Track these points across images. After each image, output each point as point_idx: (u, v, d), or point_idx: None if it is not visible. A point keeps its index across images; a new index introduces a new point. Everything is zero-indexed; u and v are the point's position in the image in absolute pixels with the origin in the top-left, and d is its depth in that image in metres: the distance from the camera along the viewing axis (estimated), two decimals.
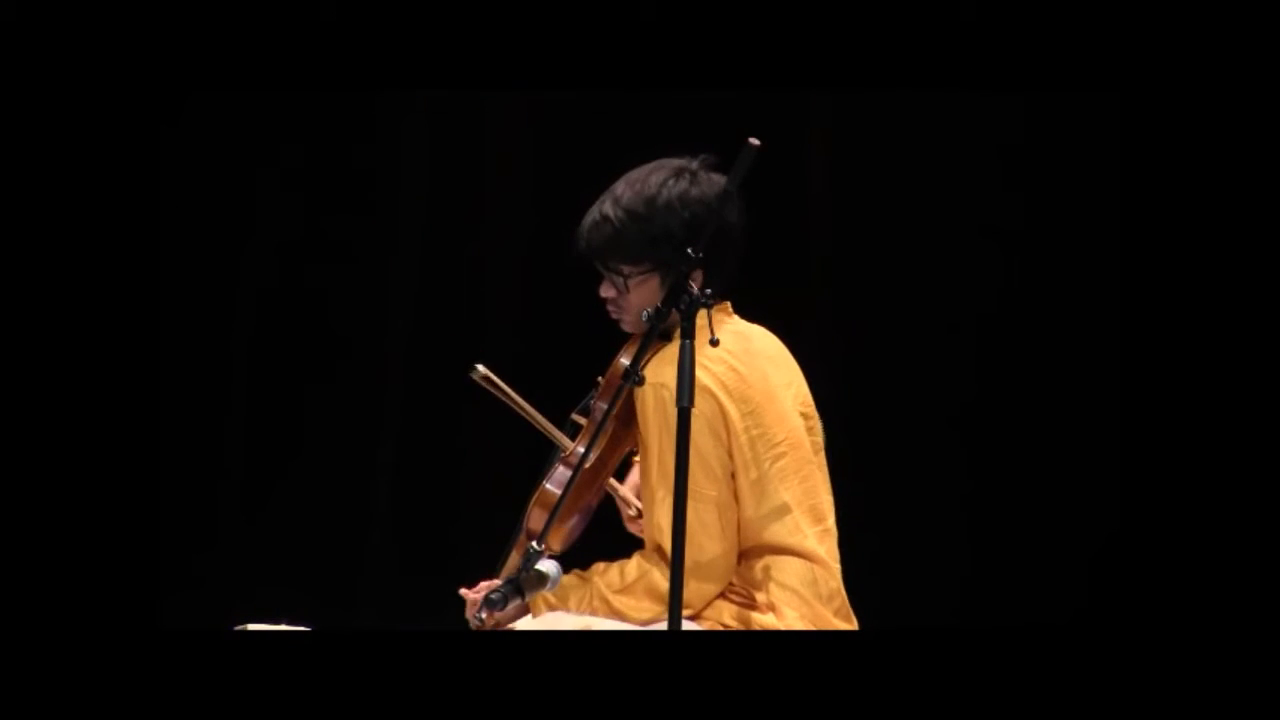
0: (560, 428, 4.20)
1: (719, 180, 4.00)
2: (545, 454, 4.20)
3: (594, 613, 3.97)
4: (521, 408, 4.22)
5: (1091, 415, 5.54)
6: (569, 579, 4.00)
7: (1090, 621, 5.25)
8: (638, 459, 4.12)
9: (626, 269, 4.02)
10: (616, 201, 4.02)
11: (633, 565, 3.97)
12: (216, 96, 5.71)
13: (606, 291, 4.08)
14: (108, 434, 4.66)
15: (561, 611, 3.99)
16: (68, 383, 4.66)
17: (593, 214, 4.05)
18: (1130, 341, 4.85)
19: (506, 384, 4.22)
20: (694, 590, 3.91)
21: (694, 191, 3.99)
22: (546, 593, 3.95)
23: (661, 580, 3.87)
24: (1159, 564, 4.62)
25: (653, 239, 3.98)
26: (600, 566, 4.01)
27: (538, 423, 4.22)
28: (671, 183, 4.00)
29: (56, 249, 4.71)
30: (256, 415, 6.04)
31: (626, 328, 4.08)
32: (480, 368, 4.22)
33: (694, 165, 4.04)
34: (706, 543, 3.92)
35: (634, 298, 4.03)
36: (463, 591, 4.14)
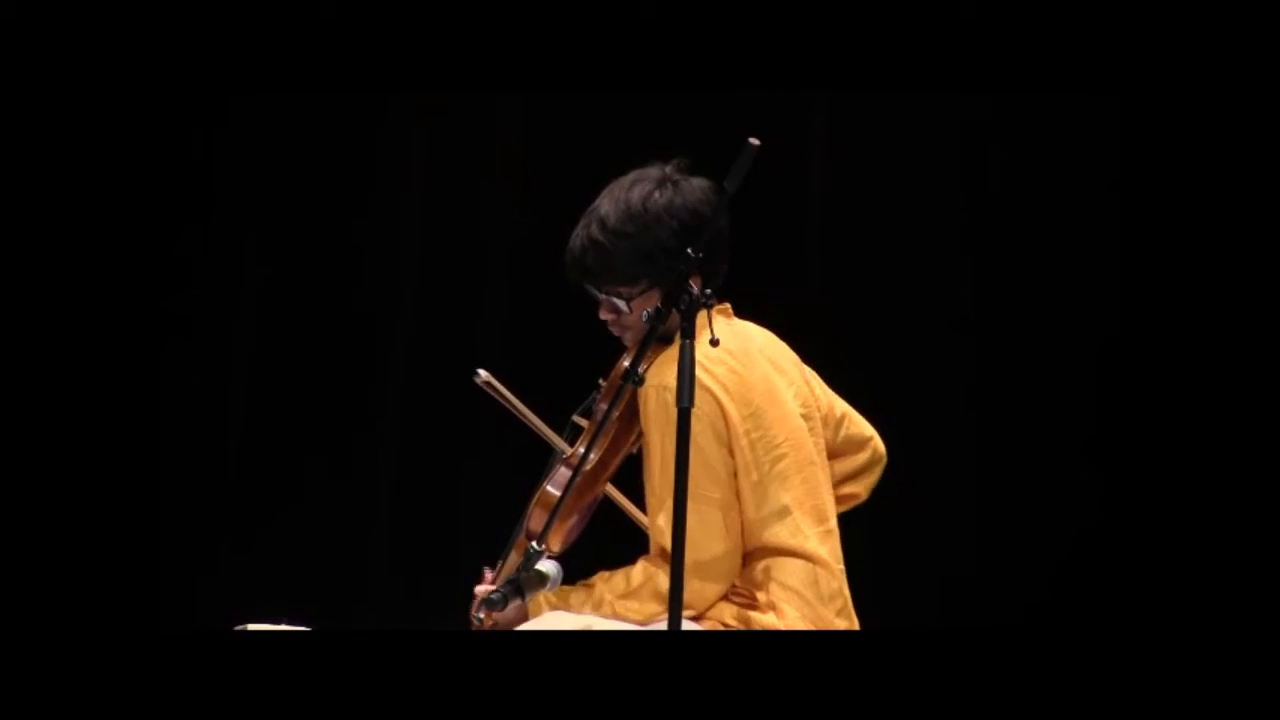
0: (561, 429, 4.20)
1: (700, 183, 3.99)
2: (546, 454, 4.20)
3: (601, 618, 3.95)
4: (521, 413, 4.21)
5: (1092, 417, 5.54)
6: (572, 587, 3.99)
7: (1091, 621, 5.25)
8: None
9: (624, 290, 3.98)
10: (603, 223, 3.97)
11: (638, 570, 3.96)
12: (217, 101, 5.71)
13: (605, 314, 4.04)
14: (109, 436, 4.66)
15: (562, 610, 3.99)
16: (70, 384, 4.66)
17: (579, 238, 4.01)
18: (1130, 343, 4.85)
19: (508, 389, 4.21)
20: (697, 591, 3.91)
21: (678, 200, 3.96)
22: (547, 593, 3.95)
23: (667, 583, 3.86)
24: (1159, 565, 4.63)
25: (646, 254, 3.95)
26: (604, 574, 4.00)
27: (537, 428, 4.22)
28: (656, 194, 3.96)
29: (60, 255, 4.72)
30: (257, 415, 6.04)
31: (631, 344, 4.05)
32: (482, 372, 4.21)
33: (672, 172, 4.00)
34: (711, 544, 3.91)
35: (636, 312, 3.98)
36: (477, 590, 4.11)
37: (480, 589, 4.09)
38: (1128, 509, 4.79)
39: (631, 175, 4.02)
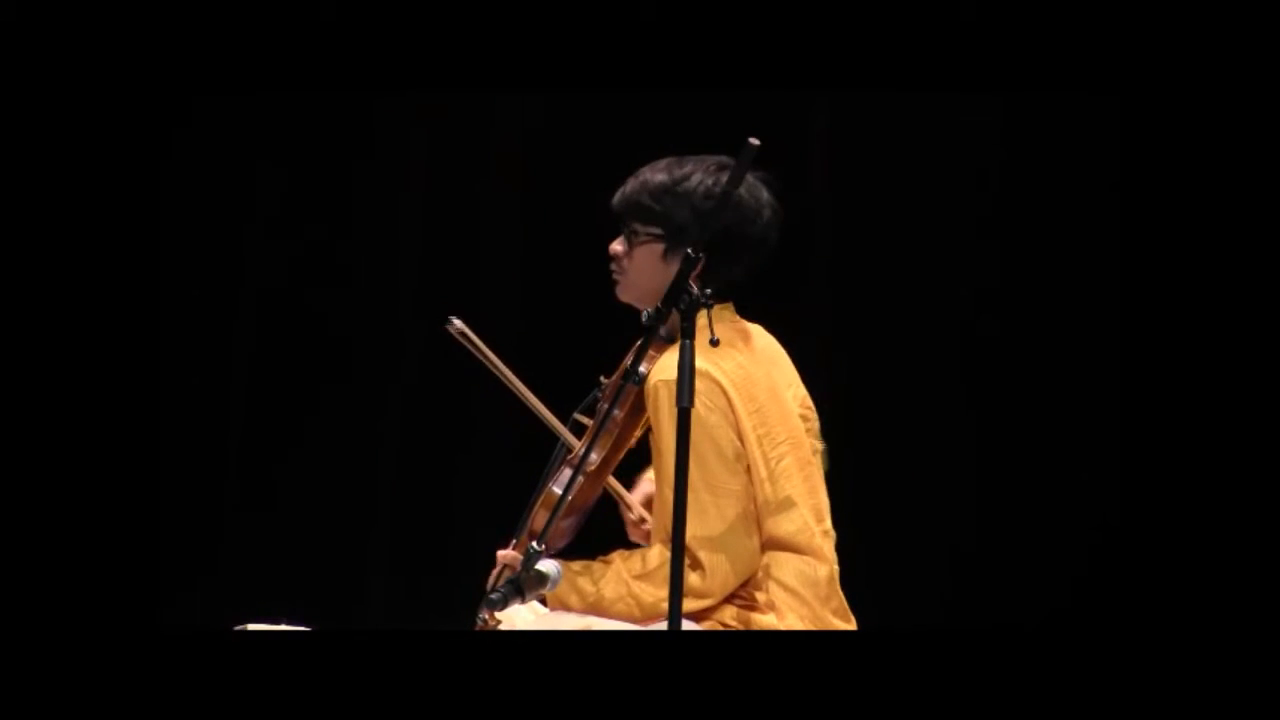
0: (565, 420, 4.22)
1: (761, 198, 4.04)
2: (546, 454, 4.21)
3: (615, 594, 3.97)
4: (495, 365, 4.23)
5: (1091, 418, 5.54)
6: (591, 561, 4.00)
7: (1091, 621, 5.25)
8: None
9: (638, 226, 4.05)
10: (657, 167, 4.07)
11: (655, 553, 3.97)
12: (217, 100, 5.71)
13: (615, 246, 4.10)
14: (109, 434, 4.66)
15: (563, 609, 4.00)
16: (70, 384, 4.66)
17: (637, 172, 4.10)
18: (1130, 345, 4.85)
19: (483, 341, 4.25)
20: (722, 580, 3.93)
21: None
22: (547, 591, 3.95)
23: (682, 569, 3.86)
24: (1160, 565, 4.62)
25: (666, 213, 4.02)
26: (623, 553, 4.02)
27: (510, 383, 4.24)
28: (713, 168, 4.04)
29: (59, 254, 4.71)
30: (257, 416, 6.04)
31: (620, 293, 4.11)
32: (455, 321, 4.25)
33: (755, 179, 4.04)
34: (733, 538, 3.92)
35: (636, 258, 4.06)
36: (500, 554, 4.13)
37: (503, 554, 4.09)
38: (1128, 509, 4.78)
39: (717, 156, 4.08)
